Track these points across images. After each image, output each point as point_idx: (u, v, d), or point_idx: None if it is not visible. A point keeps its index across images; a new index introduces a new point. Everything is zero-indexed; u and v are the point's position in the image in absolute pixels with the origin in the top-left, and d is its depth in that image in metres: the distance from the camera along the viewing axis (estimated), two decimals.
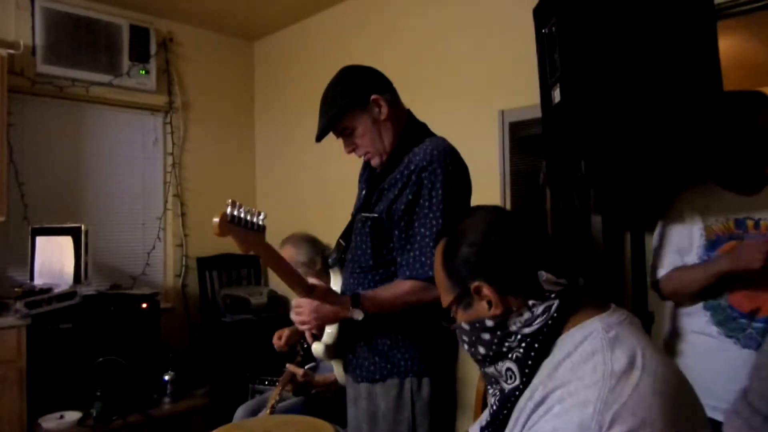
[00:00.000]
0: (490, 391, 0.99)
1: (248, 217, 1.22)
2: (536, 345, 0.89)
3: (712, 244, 1.62)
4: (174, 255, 3.89)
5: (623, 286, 2.26)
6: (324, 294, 1.42)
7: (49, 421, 2.74)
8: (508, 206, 2.72)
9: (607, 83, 1.57)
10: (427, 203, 1.41)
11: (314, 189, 3.84)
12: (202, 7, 3.72)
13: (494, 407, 0.95)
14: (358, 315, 1.39)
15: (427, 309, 1.39)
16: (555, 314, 0.88)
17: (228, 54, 4.25)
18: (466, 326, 0.96)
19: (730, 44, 3.51)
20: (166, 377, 3.16)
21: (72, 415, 2.79)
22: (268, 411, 2.13)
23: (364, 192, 1.63)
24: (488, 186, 2.73)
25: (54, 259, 3.08)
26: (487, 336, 0.93)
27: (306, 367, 2.28)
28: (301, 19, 3.93)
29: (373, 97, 1.48)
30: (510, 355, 0.91)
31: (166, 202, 3.90)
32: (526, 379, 0.89)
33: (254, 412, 2.41)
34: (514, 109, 2.70)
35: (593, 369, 0.79)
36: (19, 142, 3.24)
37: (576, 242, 2.40)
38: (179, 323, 3.81)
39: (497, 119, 2.76)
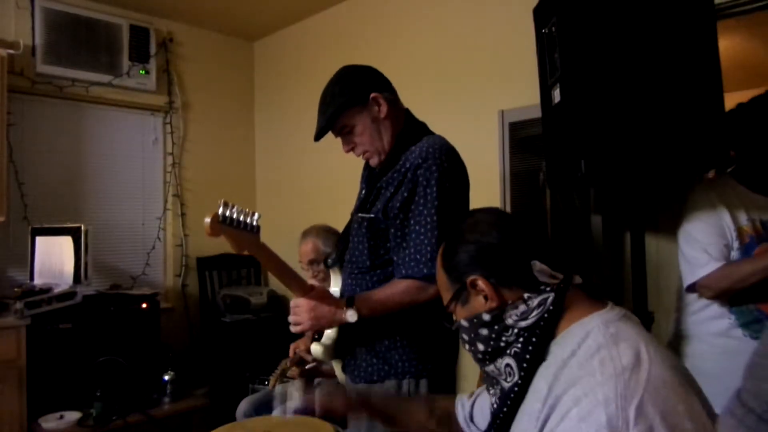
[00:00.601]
0: (491, 390, 0.99)
1: (241, 218, 1.21)
2: (534, 339, 0.89)
3: (745, 247, 1.61)
4: (174, 255, 3.89)
5: (623, 286, 2.27)
6: (322, 295, 1.42)
7: (49, 421, 2.74)
8: (508, 206, 2.72)
9: (607, 83, 1.57)
10: (422, 200, 1.41)
11: (314, 189, 3.84)
12: (202, 7, 3.72)
13: (495, 405, 0.96)
14: (352, 316, 1.38)
15: (426, 310, 1.39)
16: (551, 307, 0.89)
17: (228, 54, 4.25)
18: (465, 323, 0.97)
19: (730, 44, 3.52)
20: (166, 377, 3.17)
21: (72, 415, 2.79)
22: (273, 382, 2.13)
23: (363, 192, 1.63)
24: (488, 186, 2.73)
25: (54, 259, 3.08)
26: (485, 331, 0.94)
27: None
28: (301, 19, 3.93)
29: (372, 95, 1.48)
30: (508, 351, 0.92)
31: (166, 202, 3.90)
32: (525, 374, 0.89)
33: (258, 405, 2.41)
34: (514, 109, 2.70)
35: (601, 365, 0.79)
36: (19, 142, 3.24)
37: (576, 242, 2.40)
38: (179, 323, 3.81)
39: (497, 119, 2.76)
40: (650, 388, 0.76)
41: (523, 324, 0.90)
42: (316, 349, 1.59)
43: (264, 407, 2.40)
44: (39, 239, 3.12)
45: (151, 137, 3.89)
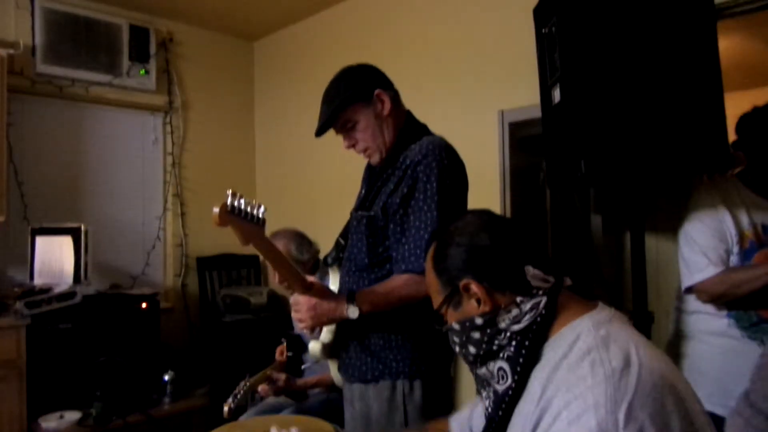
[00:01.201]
0: (483, 394, 0.98)
1: (248, 209, 1.21)
2: (526, 343, 0.90)
3: (745, 253, 1.61)
4: (174, 255, 3.89)
5: (623, 286, 2.27)
6: (322, 292, 1.42)
7: (49, 421, 2.74)
8: (508, 206, 2.72)
9: (607, 83, 1.57)
10: (422, 196, 1.41)
11: (314, 188, 3.84)
12: (202, 7, 3.72)
13: (489, 410, 0.95)
14: (353, 313, 1.38)
15: (421, 310, 1.39)
16: (543, 311, 0.90)
17: (228, 54, 4.25)
18: (456, 326, 0.96)
19: (730, 44, 3.52)
20: (166, 377, 3.16)
21: (72, 415, 2.79)
22: (227, 407, 1.99)
23: (363, 191, 1.64)
24: (488, 186, 2.73)
25: (54, 259, 3.08)
26: (476, 335, 0.93)
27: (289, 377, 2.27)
28: (301, 19, 3.93)
29: (376, 91, 1.49)
30: (501, 354, 0.92)
31: (166, 202, 3.90)
32: (518, 378, 0.89)
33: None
34: (514, 109, 2.70)
35: (591, 368, 0.80)
36: (19, 142, 3.24)
37: (576, 242, 2.40)
38: (179, 323, 3.81)
39: (497, 119, 2.76)
40: (640, 391, 0.76)
41: (515, 327, 0.90)
42: (314, 347, 1.58)
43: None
44: (39, 239, 3.12)
45: (151, 137, 3.89)
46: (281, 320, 3.13)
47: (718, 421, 1.50)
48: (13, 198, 3.16)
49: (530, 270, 0.91)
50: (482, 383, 0.98)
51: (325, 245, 2.72)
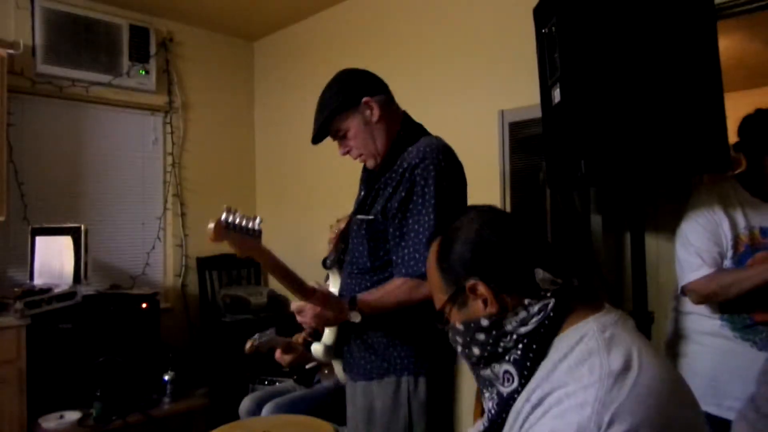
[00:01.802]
0: (486, 395, 0.97)
1: (243, 223, 1.23)
2: (534, 346, 0.88)
3: (740, 257, 1.61)
4: (174, 255, 3.89)
5: (623, 286, 2.27)
6: (324, 297, 1.43)
7: (49, 421, 2.74)
8: (508, 206, 2.72)
9: (607, 83, 1.57)
10: (420, 200, 1.42)
11: (314, 189, 3.84)
12: (202, 7, 3.72)
13: (492, 412, 0.93)
14: (356, 317, 1.41)
15: (425, 307, 1.39)
16: (551, 314, 0.88)
17: (228, 54, 4.25)
18: (460, 327, 0.94)
19: (730, 44, 3.52)
20: (166, 377, 3.16)
21: (72, 415, 2.79)
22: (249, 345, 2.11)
23: (362, 194, 1.64)
24: (488, 186, 2.73)
25: (54, 259, 3.08)
26: (482, 336, 0.91)
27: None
28: (301, 19, 3.93)
29: (364, 99, 1.50)
30: (506, 357, 0.90)
31: (166, 202, 3.90)
32: (525, 381, 0.88)
33: (260, 402, 2.41)
34: (514, 109, 2.69)
35: (590, 370, 0.79)
36: (19, 142, 3.24)
37: (576, 242, 2.40)
38: (179, 323, 3.81)
39: (497, 119, 2.76)
40: (633, 396, 0.75)
41: (522, 330, 0.88)
42: (316, 348, 1.59)
43: (266, 402, 2.40)
44: (39, 239, 3.12)
45: (151, 137, 3.88)
46: (281, 320, 3.13)
47: (710, 420, 1.51)
48: (13, 198, 3.16)
49: (540, 273, 0.89)
50: (485, 384, 0.96)
51: (326, 245, 2.72)
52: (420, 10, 3.21)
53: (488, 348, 0.91)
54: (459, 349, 0.97)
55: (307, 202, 3.88)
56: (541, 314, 0.88)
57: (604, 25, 1.58)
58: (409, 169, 1.44)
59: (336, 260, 1.66)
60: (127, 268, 3.71)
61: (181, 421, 3.12)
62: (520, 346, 0.89)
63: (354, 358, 1.54)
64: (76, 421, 2.76)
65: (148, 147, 3.87)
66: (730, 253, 1.61)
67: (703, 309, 1.65)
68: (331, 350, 1.58)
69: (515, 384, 0.89)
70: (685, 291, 1.67)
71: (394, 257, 1.47)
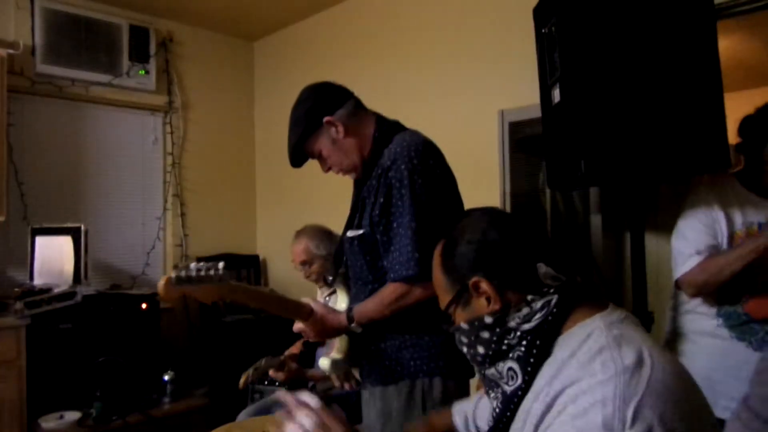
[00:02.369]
0: (492, 395, 0.97)
1: (202, 273, 1.20)
2: (537, 342, 0.88)
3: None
4: (174, 255, 3.89)
5: (623, 286, 2.27)
6: (323, 318, 1.45)
7: (49, 421, 2.73)
8: (508, 206, 2.72)
9: (607, 83, 1.57)
10: (399, 203, 1.41)
11: (314, 188, 3.83)
12: (202, 7, 3.72)
13: (497, 410, 0.94)
14: (356, 329, 1.44)
15: (434, 307, 1.39)
16: (554, 310, 0.88)
17: (228, 54, 4.25)
18: (465, 326, 0.95)
19: (730, 44, 3.52)
20: (166, 377, 3.16)
21: (72, 415, 2.78)
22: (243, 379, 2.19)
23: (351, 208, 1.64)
24: (488, 186, 2.73)
25: (54, 259, 3.08)
26: (486, 334, 0.92)
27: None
28: (301, 19, 3.93)
29: (325, 119, 1.50)
30: (511, 354, 0.90)
31: (166, 202, 3.90)
32: (529, 378, 0.88)
33: (257, 414, 2.40)
34: (514, 109, 2.69)
35: (603, 365, 0.79)
36: (19, 142, 3.24)
37: (576, 242, 2.40)
38: (179, 323, 3.81)
39: (497, 119, 2.76)
40: (650, 391, 0.75)
41: (526, 327, 0.88)
42: (324, 363, 1.59)
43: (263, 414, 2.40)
44: (39, 239, 3.12)
45: (151, 137, 3.88)
46: (281, 320, 3.13)
47: None
48: (13, 198, 3.16)
49: (542, 267, 0.89)
50: (490, 384, 0.96)
51: None
52: (420, 11, 3.21)
53: (493, 346, 0.92)
54: (464, 349, 0.97)
55: (307, 201, 3.88)
56: (544, 310, 0.88)
57: (604, 25, 1.58)
58: (383, 174, 1.43)
59: (336, 276, 1.66)
60: (127, 268, 3.71)
61: (181, 421, 3.12)
62: (524, 342, 0.89)
63: (369, 364, 1.54)
64: (76, 421, 2.76)
65: (148, 147, 3.87)
66: (726, 249, 1.61)
67: (700, 308, 1.65)
68: (339, 364, 1.58)
69: (519, 381, 0.89)
70: (679, 284, 1.67)
71: (385, 263, 1.46)
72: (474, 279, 0.91)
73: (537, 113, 1.97)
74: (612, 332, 0.84)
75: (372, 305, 1.44)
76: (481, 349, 0.93)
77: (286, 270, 3.68)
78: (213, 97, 4.12)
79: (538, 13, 1.86)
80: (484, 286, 0.90)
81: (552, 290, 0.89)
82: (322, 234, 2.43)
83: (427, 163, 1.43)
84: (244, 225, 4.28)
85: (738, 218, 1.62)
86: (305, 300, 1.48)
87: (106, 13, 3.53)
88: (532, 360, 0.88)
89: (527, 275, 0.90)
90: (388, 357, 1.49)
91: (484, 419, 1.11)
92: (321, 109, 1.51)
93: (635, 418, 0.72)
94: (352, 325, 1.44)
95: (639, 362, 0.78)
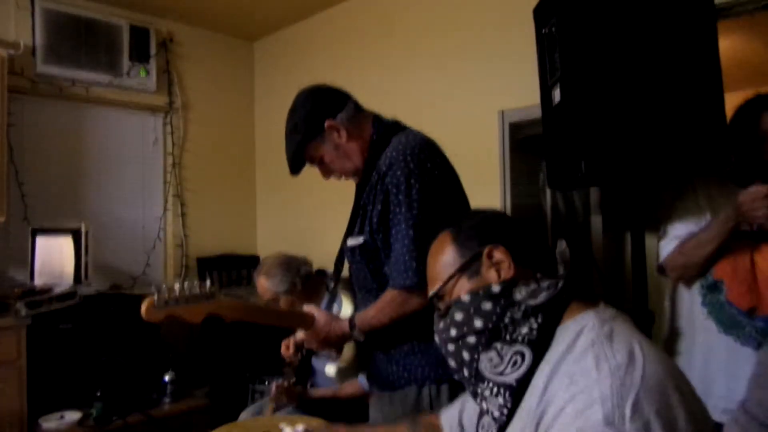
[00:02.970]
0: (487, 393, 0.93)
1: (186, 292, 1.18)
2: (541, 320, 0.88)
3: None
4: (174, 255, 3.89)
5: (623, 286, 2.27)
6: (325, 327, 1.43)
7: (49, 421, 2.74)
8: (508, 206, 2.72)
9: (607, 83, 1.57)
10: (397, 209, 1.38)
11: (315, 189, 3.82)
12: (202, 7, 3.72)
13: (506, 409, 0.90)
14: (359, 337, 1.42)
15: None
16: (560, 293, 0.89)
17: (228, 54, 4.25)
18: (465, 297, 0.93)
19: (730, 44, 3.52)
20: (166, 377, 3.16)
21: (72, 415, 2.79)
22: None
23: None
24: (488, 186, 2.73)
25: (54, 259, 3.08)
26: (488, 305, 0.91)
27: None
28: (301, 19, 3.93)
29: (327, 124, 1.45)
30: (514, 335, 0.89)
31: (166, 202, 3.90)
32: (538, 360, 0.87)
33: (257, 414, 2.41)
34: (514, 109, 2.70)
35: (596, 362, 0.79)
36: (19, 142, 3.23)
37: (576, 242, 2.40)
38: (179, 323, 3.79)
39: (497, 119, 2.76)
40: (645, 386, 0.76)
41: (532, 302, 0.89)
42: (329, 369, 1.58)
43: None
44: (39, 239, 3.12)
45: (151, 137, 3.89)
46: None
47: None
48: (13, 198, 3.15)
49: (563, 244, 0.92)
50: (484, 383, 0.92)
51: (326, 246, 2.72)
52: (420, 11, 3.21)
53: (494, 318, 0.90)
54: (454, 333, 0.94)
55: (307, 201, 3.87)
56: (551, 290, 0.89)
57: (604, 25, 1.58)
58: (380, 180, 1.40)
59: (337, 283, 1.64)
60: (128, 268, 3.71)
61: (181, 421, 3.12)
62: (532, 320, 0.89)
63: (377, 370, 1.53)
64: (76, 421, 2.77)
65: (148, 147, 3.87)
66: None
67: (696, 308, 1.66)
68: (344, 374, 1.58)
69: (527, 363, 0.87)
70: (660, 269, 1.69)
71: (386, 270, 1.44)
72: (489, 247, 0.93)
73: (537, 113, 1.97)
74: (603, 328, 0.85)
75: (372, 313, 1.42)
76: (478, 323, 0.91)
77: None
78: (213, 97, 4.12)
79: (538, 13, 1.86)
80: (499, 254, 0.92)
81: (558, 276, 0.92)
82: (278, 267, 2.32)
83: (425, 166, 1.39)
84: (244, 225, 4.28)
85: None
86: (307, 308, 1.46)
87: (107, 14, 3.53)
88: (542, 341, 0.87)
89: (540, 254, 0.93)
90: (395, 363, 1.47)
91: (470, 422, 1.09)
92: (321, 113, 1.47)
93: (634, 414, 0.73)
94: (355, 332, 1.42)
95: (631, 358, 0.79)
